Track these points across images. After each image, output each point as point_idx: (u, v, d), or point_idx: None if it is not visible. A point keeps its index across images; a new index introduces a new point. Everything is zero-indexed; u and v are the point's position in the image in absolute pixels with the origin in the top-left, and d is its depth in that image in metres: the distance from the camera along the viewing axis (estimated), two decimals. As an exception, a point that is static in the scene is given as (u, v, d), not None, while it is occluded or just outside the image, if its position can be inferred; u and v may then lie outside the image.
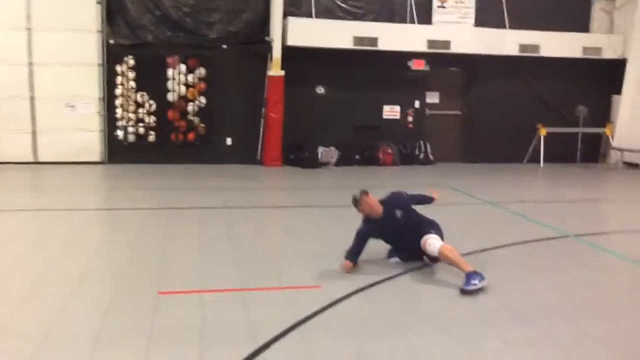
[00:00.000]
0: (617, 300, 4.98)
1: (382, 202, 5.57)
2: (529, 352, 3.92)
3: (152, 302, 4.60)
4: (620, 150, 13.41)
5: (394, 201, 5.61)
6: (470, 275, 5.01)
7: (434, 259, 5.53)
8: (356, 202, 5.49)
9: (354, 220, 7.59)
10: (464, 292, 4.93)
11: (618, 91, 13.60)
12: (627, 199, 10.14)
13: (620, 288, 5.30)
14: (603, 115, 13.89)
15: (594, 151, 13.98)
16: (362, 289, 4.98)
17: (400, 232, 5.55)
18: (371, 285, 5.09)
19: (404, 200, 5.64)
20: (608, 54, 13.40)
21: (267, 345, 3.87)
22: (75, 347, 3.81)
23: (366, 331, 4.18)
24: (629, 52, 13.34)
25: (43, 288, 4.91)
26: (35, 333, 3.99)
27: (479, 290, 4.94)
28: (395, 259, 5.73)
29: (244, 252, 6.08)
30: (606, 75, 13.74)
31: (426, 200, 5.87)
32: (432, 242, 5.29)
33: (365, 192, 5.50)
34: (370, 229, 5.53)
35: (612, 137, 13.63)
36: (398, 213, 5.52)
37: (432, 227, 5.51)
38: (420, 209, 5.76)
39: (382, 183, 10.20)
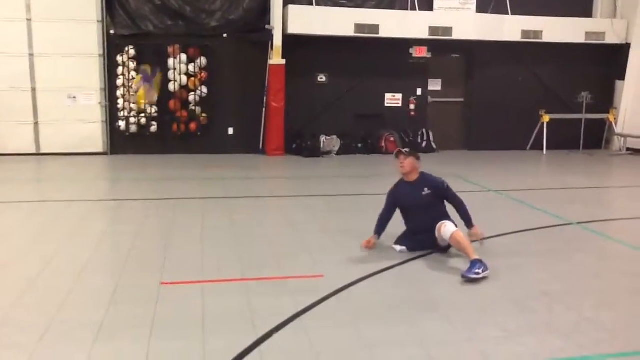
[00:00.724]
0: (620, 288, 4.98)
1: (422, 173, 5.80)
2: (531, 340, 3.92)
3: (155, 292, 4.61)
4: (624, 136, 13.34)
5: (429, 180, 5.78)
6: (474, 263, 5.04)
7: (444, 249, 5.66)
8: (409, 154, 5.73)
9: (357, 210, 7.61)
10: (465, 278, 4.97)
11: (622, 76, 13.50)
12: (630, 185, 10.10)
13: (623, 275, 5.28)
14: (606, 101, 13.81)
15: (597, 137, 13.90)
16: (364, 278, 4.99)
17: (419, 209, 5.69)
18: (373, 274, 5.10)
19: (438, 186, 5.75)
20: (611, 38, 13.29)
21: (268, 335, 3.88)
22: (77, 338, 3.83)
23: (368, 320, 4.19)
24: (633, 37, 13.23)
25: (45, 279, 4.93)
26: (37, 324, 4.00)
27: (481, 279, 4.95)
28: (402, 248, 5.75)
29: (246, 242, 6.08)
30: (609, 61, 13.63)
31: (464, 213, 5.73)
32: (447, 224, 5.44)
33: (417, 157, 5.79)
34: (397, 191, 5.83)
35: (616, 123, 13.56)
36: (425, 190, 5.67)
37: (449, 219, 5.63)
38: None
39: (384, 171, 10.17)
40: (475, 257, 5.11)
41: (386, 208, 5.87)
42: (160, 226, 6.62)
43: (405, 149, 5.90)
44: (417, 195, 5.67)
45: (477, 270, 4.99)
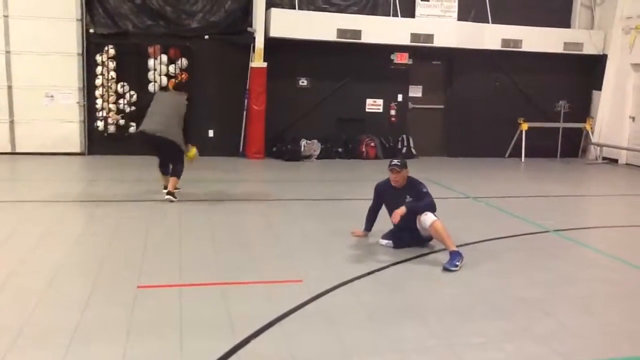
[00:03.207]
0: (596, 294, 5.03)
1: (409, 179, 6.00)
2: (509, 346, 3.93)
3: (131, 296, 4.54)
4: (600, 145, 13.55)
5: (413, 187, 5.94)
6: (454, 256, 5.40)
7: (426, 241, 5.98)
8: (402, 166, 5.91)
9: (337, 214, 7.60)
10: (446, 270, 5.32)
11: (598, 87, 13.72)
12: (606, 194, 10.25)
13: (599, 282, 5.35)
14: (583, 110, 14.02)
15: (574, 146, 14.11)
16: (343, 283, 4.97)
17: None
18: (352, 279, 5.08)
19: (418, 192, 5.88)
20: (589, 49, 13.52)
21: (247, 341, 3.84)
22: (51, 342, 3.75)
23: (347, 326, 4.17)
24: (609, 48, 13.46)
25: (19, 281, 4.83)
26: (10, 327, 3.91)
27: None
28: (387, 242, 5.99)
29: (225, 246, 6.03)
30: (587, 71, 13.87)
31: (419, 204, 5.84)
32: (428, 213, 5.67)
33: (407, 166, 5.99)
34: (384, 189, 6.10)
35: (592, 133, 13.76)
36: (408, 197, 5.85)
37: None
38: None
39: (364, 176, 10.19)
40: (454, 248, 5.46)
41: (373, 201, 6.23)
42: (138, 228, 6.53)
43: (397, 162, 5.95)
44: (399, 201, 5.84)
45: (456, 263, 5.35)
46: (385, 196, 6.11)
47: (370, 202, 6.34)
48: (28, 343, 3.74)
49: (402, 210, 5.68)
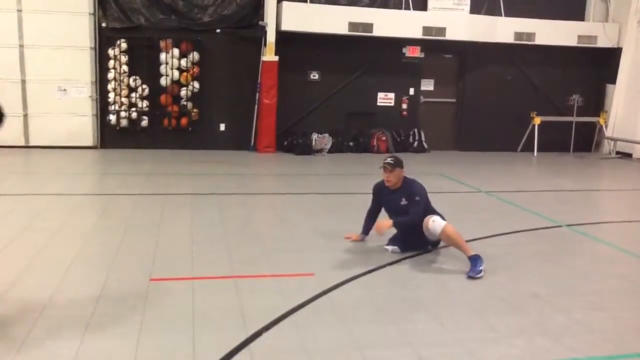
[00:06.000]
0: (609, 290, 5.00)
1: (405, 180, 5.64)
2: (521, 341, 3.92)
3: (144, 289, 4.57)
4: (614, 139, 13.43)
5: (408, 190, 5.56)
6: (475, 261, 5.14)
7: (434, 245, 5.68)
8: (394, 165, 5.53)
9: (348, 209, 7.60)
10: (472, 278, 5.05)
11: (612, 80, 13.58)
12: (619, 189, 10.17)
13: (612, 277, 5.31)
14: (597, 104, 13.90)
15: (587, 140, 13.99)
16: (355, 277, 4.97)
17: (398, 215, 5.56)
18: (364, 273, 5.09)
19: (412, 199, 5.48)
20: (603, 42, 13.37)
21: (258, 333, 3.86)
22: (65, 334, 3.78)
23: (358, 319, 4.17)
24: (624, 41, 13.31)
25: (32, 274, 4.88)
26: (25, 319, 3.95)
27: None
28: (394, 248, 5.72)
29: (237, 239, 6.05)
30: (601, 64, 13.73)
31: (403, 217, 5.50)
32: (435, 219, 5.33)
33: (402, 166, 5.60)
34: (380, 190, 5.78)
35: (606, 127, 13.64)
36: (403, 200, 5.57)
37: (435, 213, 5.51)
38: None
39: (375, 170, 10.17)
40: (472, 252, 5.20)
41: (372, 203, 5.91)
42: (150, 222, 6.56)
43: (389, 159, 5.58)
44: (396, 203, 5.60)
45: (479, 268, 5.10)
46: (382, 200, 5.79)
47: None
48: (42, 334, 3.77)
49: (388, 223, 5.44)
